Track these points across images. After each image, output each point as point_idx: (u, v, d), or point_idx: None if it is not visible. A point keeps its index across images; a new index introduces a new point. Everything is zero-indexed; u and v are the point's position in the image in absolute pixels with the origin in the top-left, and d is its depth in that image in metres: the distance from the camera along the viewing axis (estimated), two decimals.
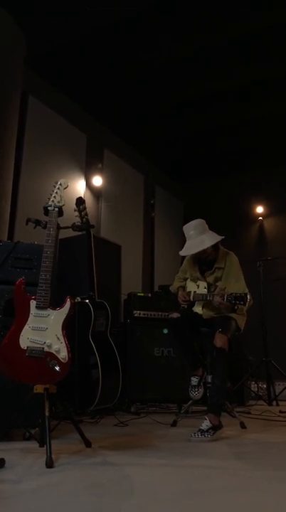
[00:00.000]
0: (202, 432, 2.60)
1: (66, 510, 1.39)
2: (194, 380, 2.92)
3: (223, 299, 2.72)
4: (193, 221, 3.00)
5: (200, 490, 1.63)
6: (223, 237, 2.93)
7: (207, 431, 2.60)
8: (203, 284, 2.99)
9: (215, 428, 2.62)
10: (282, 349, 5.18)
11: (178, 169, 7.24)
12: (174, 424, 3.12)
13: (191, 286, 3.08)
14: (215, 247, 2.97)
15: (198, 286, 3.02)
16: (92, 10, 4.04)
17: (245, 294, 2.66)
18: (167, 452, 2.30)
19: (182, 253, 3.03)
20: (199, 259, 3.06)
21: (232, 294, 2.70)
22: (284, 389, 4.63)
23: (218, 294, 2.78)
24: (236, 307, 2.74)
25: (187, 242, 3.01)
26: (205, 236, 2.93)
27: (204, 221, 3.02)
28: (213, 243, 2.91)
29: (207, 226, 3.01)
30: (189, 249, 2.98)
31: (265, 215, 7.06)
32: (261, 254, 5.91)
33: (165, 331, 3.56)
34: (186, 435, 2.81)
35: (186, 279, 3.17)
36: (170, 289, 3.27)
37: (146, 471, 1.91)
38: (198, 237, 2.92)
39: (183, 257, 3.25)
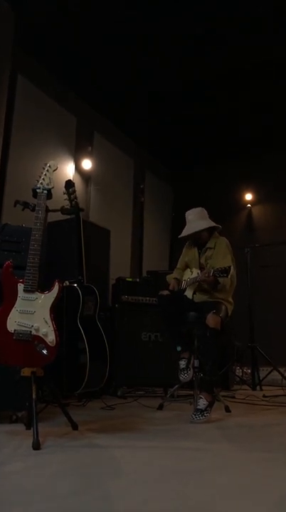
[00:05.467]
0: (201, 411, 2.69)
1: (52, 490, 1.40)
2: (182, 363, 2.97)
3: (209, 275, 2.82)
4: (195, 208, 3.19)
5: (185, 471, 1.66)
6: (220, 226, 3.14)
7: (205, 409, 2.70)
8: (196, 271, 3.09)
9: (211, 404, 2.75)
10: (268, 335, 5.25)
11: (169, 155, 7.18)
12: (160, 407, 3.17)
13: (186, 275, 3.20)
14: (210, 234, 3.14)
15: (192, 273, 3.13)
16: None
17: (229, 267, 2.76)
18: (153, 435, 2.33)
19: (180, 236, 3.18)
20: (196, 243, 3.19)
21: (217, 268, 2.80)
22: (268, 374, 4.71)
23: (205, 272, 2.89)
24: (219, 282, 2.85)
25: (186, 226, 3.16)
26: (203, 221, 3.12)
27: (205, 210, 3.20)
28: (207, 226, 3.09)
29: (206, 214, 3.19)
30: (186, 231, 3.14)
31: (253, 203, 7.08)
32: (249, 240, 5.93)
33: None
34: (172, 418, 2.86)
35: (185, 268, 3.27)
36: (166, 277, 3.34)
37: (133, 452, 1.94)
38: (196, 222, 3.11)
39: (175, 244, 3.36)
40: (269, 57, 4.80)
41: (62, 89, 5.29)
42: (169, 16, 4.22)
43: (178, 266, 3.33)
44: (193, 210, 3.18)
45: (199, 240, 3.14)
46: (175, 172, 7.58)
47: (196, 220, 3.12)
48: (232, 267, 2.78)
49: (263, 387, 4.61)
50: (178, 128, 6.28)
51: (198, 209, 3.19)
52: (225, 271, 2.74)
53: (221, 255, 3.01)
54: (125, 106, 5.74)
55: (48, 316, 2.12)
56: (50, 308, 2.14)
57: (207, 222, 3.12)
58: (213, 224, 3.12)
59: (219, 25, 4.36)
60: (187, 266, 3.25)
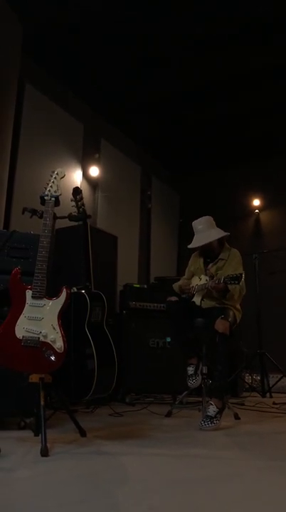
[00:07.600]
0: (210, 418, 2.66)
1: (60, 497, 1.39)
2: (190, 369, 2.96)
3: (219, 282, 2.81)
4: (202, 217, 3.15)
5: (193, 478, 1.64)
6: (228, 233, 3.10)
7: (215, 416, 2.67)
8: (204, 278, 3.07)
9: (221, 411, 2.72)
10: (277, 342, 5.21)
11: (175, 161, 7.19)
12: (169, 414, 3.15)
13: (194, 281, 3.18)
14: (220, 242, 3.13)
15: (200, 279, 3.12)
16: None
17: (240, 274, 2.74)
18: (161, 442, 2.31)
19: (190, 246, 3.14)
20: (204, 252, 3.17)
21: (229, 275, 2.79)
22: (278, 381, 4.67)
23: (215, 279, 2.89)
24: (229, 289, 2.84)
25: (195, 236, 3.13)
26: (213, 231, 3.09)
27: (212, 218, 3.16)
28: (219, 237, 3.07)
29: (214, 223, 3.16)
30: (197, 241, 3.10)
31: (261, 208, 7.05)
32: (257, 246, 5.90)
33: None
34: (180, 425, 2.84)
35: (191, 278, 3.24)
36: (173, 286, 3.28)
37: (141, 460, 1.93)
38: (206, 232, 3.07)
39: (183, 250, 3.34)
40: (269, 58, 4.79)
41: (69, 96, 5.32)
42: (169, 15, 4.22)
43: (185, 276, 3.31)
44: (201, 219, 3.14)
45: (210, 248, 3.10)
46: (182, 178, 7.59)
47: (206, 229, 3.08)
48: (243, 275, 2.76)
49: (273, 395, 4.57)
50: (185, 134, 6.28)
51: (206, 218, 3.15)
52: (236, 278, 2.72)
53: (232, 267, 2.99)
54: (131, 112, 5.76)
55: (56, 323, 2.13)
56: (58, 314, 2.15)
57: (218, 232, 3.09)
58: (224, 233, 3.08)
59: (219, 25, 4.37)
60: (193, 275, 3.24)
